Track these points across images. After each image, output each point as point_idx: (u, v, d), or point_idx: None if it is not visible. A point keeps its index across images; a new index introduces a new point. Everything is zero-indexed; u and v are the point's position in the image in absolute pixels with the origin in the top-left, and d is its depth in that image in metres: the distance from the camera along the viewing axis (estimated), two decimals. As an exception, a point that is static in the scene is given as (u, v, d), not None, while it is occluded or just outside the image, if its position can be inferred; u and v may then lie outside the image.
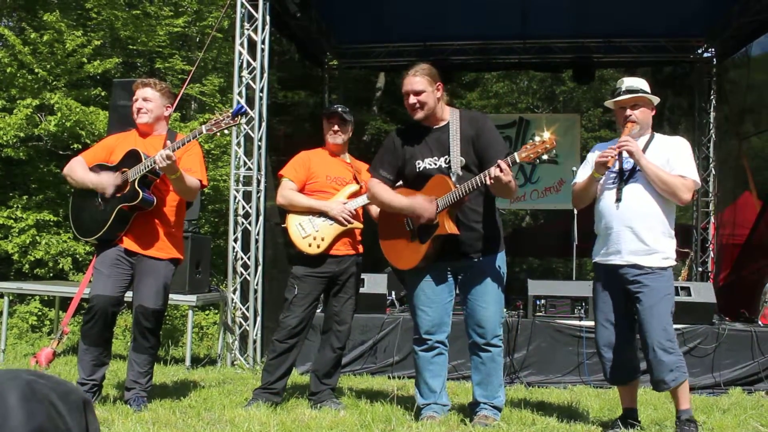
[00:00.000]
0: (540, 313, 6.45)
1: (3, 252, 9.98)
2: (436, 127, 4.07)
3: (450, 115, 4.07)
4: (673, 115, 12.80)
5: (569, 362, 6.16)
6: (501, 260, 4.09)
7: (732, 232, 9.07)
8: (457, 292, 4.16)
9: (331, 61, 10.59)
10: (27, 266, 10.05)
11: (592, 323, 6.20)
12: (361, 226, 4.62)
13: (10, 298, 7.21)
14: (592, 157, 4.14)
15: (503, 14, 8.56)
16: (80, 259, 10.26)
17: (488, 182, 3.68)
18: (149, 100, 4.40)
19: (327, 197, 4.56)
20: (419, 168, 4.04)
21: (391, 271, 7.59)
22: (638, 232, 3.90)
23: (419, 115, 4.03)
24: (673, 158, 3.95)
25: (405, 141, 4.13)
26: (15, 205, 10.22)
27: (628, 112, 4.01)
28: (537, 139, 3.57)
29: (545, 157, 3.63)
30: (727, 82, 9.61)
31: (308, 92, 13.10)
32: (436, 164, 4.00)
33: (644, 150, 3.98)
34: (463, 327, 4.15)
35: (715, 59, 9.63)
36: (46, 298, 9.56)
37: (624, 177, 3.99)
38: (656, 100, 4.10)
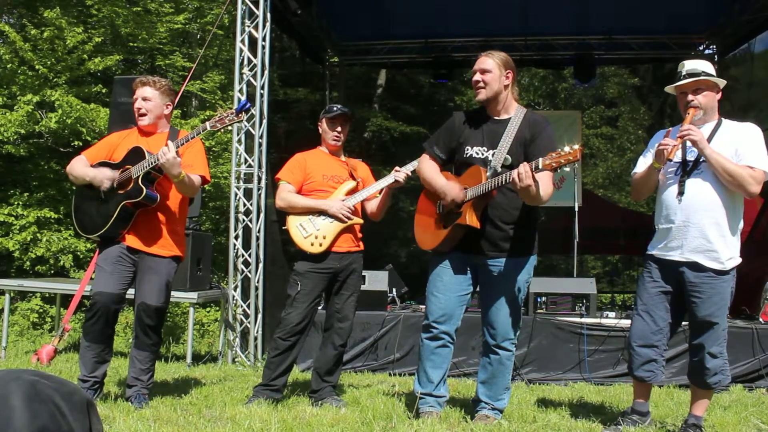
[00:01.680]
0: (541, 311, 6.45)
1: (4, 249, 9.98)
2: (497, 118, 4.02)
3: (514, 112, 4.01)
4: (675, 112, 12.79)
5: (570, 359, 6.16)
6: (528, 265, 4.02)
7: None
8: (477, 289, 4.14)
9: (332, 58, 10.58)
10: (28, 263, 10.06)
11: (592, 320, 6.27)
12: (361, 221, 4.63)
13: (11, 295, 7.20)
14: (653, 144, 3.97)
15: (504, 11, 8.56)
16: (81, 257, 10.27)
17: (509, 181, 3.66)
18: (149, 100, 4.38)
19: (324, 196, 4.55)
20: (466, 154, 4.00)
21: (392, 268, 7.61)
22: (702, 228, 3.71)
23: (482, 95, 3.96)
24: (742, 147, 3.71)
25: (464, 125, 4.08)
26: (16, 203, 10.22)
27: (690, 97, 3.80)
28: (567, 149, 3.48)
29: (567, 168, 3.55)
30: (729, 79, 9.58)
31: (309, 89, 13.12)
32: (482, 155, 3.95)
33: (711, 137, 3.76)
34: (466, 324, 4.15)
35: (716, 56, 9.62)
36: (47, 295, 9.56)
37: (687, 168, 3.78)
38: (722, 82, 3.87)
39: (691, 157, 3.80)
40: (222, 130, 4.20)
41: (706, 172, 3.74)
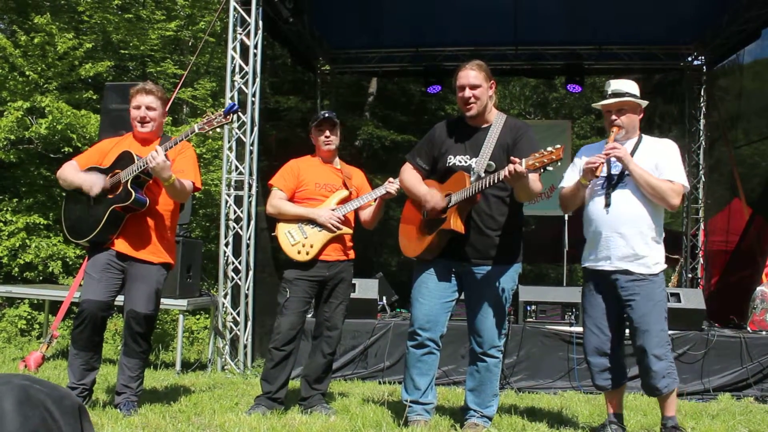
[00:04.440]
0: (530, 319, 6.47)
1: (-8, 255, 9.93)
2: (478, 127, 4.05)
3: (495, 119, 4.04)
4: (664, 122, 12.87)
5: (559, 368, 6.18)
6: (513, 272, 4.06)
7: (722, 239, 9.11)
8: (462, 297, 4.15)
9: (324, 66, 10.59)
10: (16, 269, 10.00)
11: (582, 329, 6.27)
12: (350, 231, 4.62)
13: (0, 301, 7.16)
14: (579, 161, 4.11)
15: (495, 20, 8.59)
16: (70, 263, 10.22)
17: (492, 184, 3.69)
18: (153, 109, 4.37)
19: (316, 204, 4.56)
20: (449, 163, 4.03)
21: (382, 276, 7.61)
22: (628, 238, 3.88)
23: (473, 111, 3.98)
24: (662, 162, 3.93)
25: (445, 134, 4.12)
26: (5, 208, 10.17)
27: (613, 117, 3.98)
28: (549, 148, 3.52)
29: (550, 168, 3.56)
30: (717, 90, 9.67)
31: (300, 97, 13.10)
32: (465, 163, 3.98)
33: (632, 153, 3.95)
34: (456, 332, 4.15)
35: (705, 67, 9.70)
36: (35, 301, 9.51)
37: (612, 182, 3.96)
38: (644, 103, 4.06)
39: (615, 171, 3.98)
40: (211, 133, 4.20)
41: (630, 185, 3.93)
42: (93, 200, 4.25)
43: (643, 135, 4.09)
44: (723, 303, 7.74)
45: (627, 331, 4.04)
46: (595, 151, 4.08)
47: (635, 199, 3.91)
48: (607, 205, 3.93)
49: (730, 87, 9.60)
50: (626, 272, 3.90)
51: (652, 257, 3.91)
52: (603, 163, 3.88)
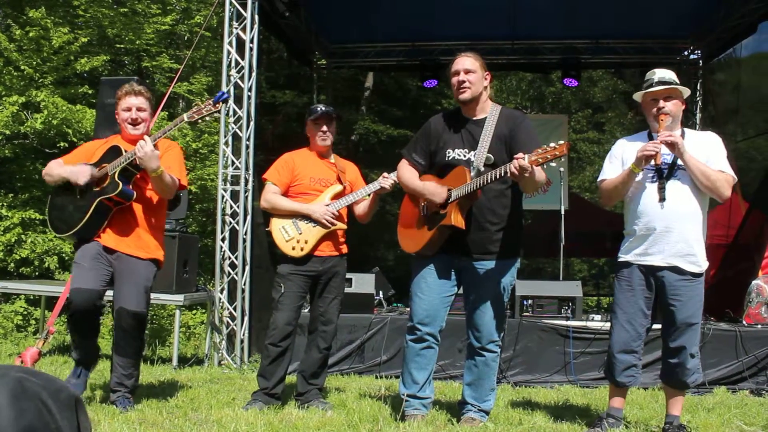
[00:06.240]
0: (527, 313, 6.47)
1: (-12, 250, 9.90)
2: (474, 119, 4.03)
3: (490, 110, 4.02)
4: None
5: (556, 362, 6.19)
6: (512, 267, 4.05)
7: (718, 233, 9.12)
8: (460, 292, 4.15)
9: (320, 61, 10.58)
10: (12, 265, 9.98)
11: (578, 323, 6.29)
12: (344, 227, 4.61)
13: (-4, 297, 7.14)
14: (619, 151, 4.01)
15: (492, 15, 8.58)
16: (66, 258, 10.20)
17: (493, 180, 3.68)
18: (144, 110, 4.34)
19: (311, 199, 4.54)
20: (448, 157, 4.02)
21: (378, 271, 7.60)
22: (683, 233, 3.79)
23: (465, 95, 3.96)
24: (711, 154, 3.83)
25: (441, 128, 4.10)
26: (0, 204, 10.14)
27: (662, 103, 3.85)
28: (552, 144, 3.48)
29: (554, 163, 3.54)
30: (714, 84, 9.68)
31: (296, 92, 13.10)
32: (464, 157, 3.97)
33: None
34: (452, 327, 4.15)
35: (701, 61, 9.71)
36: (31, 297, 9.50)
37: (663, 174, 3.82)
38: (687, 91, 3.96)
39: (666, 161, 3.84)
40: (207, 119, 4.16)
41: (684, 177, 3.81)
42: (79, 192, 4.19)
43: (684, 129, 3.96)
44: (719, 296, 7.75)
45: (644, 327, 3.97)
46: (637, 142, 3.96)
47: (689, 192, 3.80)
48: (663, 199, 3.78)
49: (726, 81, 9.62)
50: (677, 269, 3.81)
51: (701, 255, 3.85)
52: (659, 151, 3.73)
